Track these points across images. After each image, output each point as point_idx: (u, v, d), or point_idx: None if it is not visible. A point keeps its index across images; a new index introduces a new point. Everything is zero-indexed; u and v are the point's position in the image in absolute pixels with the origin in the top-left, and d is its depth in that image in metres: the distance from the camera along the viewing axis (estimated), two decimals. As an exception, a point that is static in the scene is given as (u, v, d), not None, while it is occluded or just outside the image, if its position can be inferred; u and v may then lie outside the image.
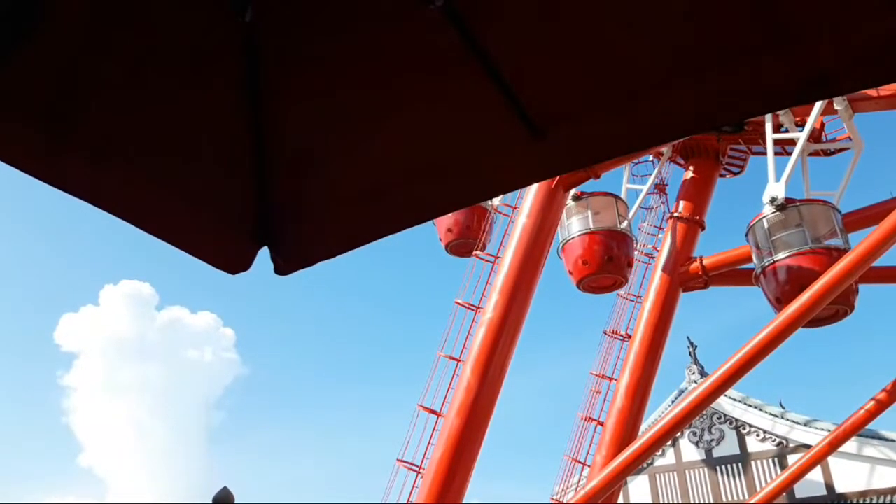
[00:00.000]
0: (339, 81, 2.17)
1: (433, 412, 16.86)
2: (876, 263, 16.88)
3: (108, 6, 1.83)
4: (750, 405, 26.60)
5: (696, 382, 26.27)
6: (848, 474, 24.26)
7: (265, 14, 1.96)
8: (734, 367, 16.34)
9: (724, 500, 25.75)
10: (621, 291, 21.65)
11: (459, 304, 18.04)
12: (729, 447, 26.49)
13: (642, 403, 20.11)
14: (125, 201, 2.04)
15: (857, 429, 22.03)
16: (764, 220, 18.50)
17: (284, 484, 70.48)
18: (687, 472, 26.86)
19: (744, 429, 26.47)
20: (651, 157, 23.71)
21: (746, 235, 19.16)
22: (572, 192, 19.72)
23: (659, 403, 27.65)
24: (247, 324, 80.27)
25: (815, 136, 20.50)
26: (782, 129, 20.84)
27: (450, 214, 23.03)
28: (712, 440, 26.75)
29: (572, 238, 20.49)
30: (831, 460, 23.92)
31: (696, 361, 28.08)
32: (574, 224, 20.61)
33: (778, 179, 18.58)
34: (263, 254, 2.31)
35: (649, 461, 25.98)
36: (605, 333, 22.01)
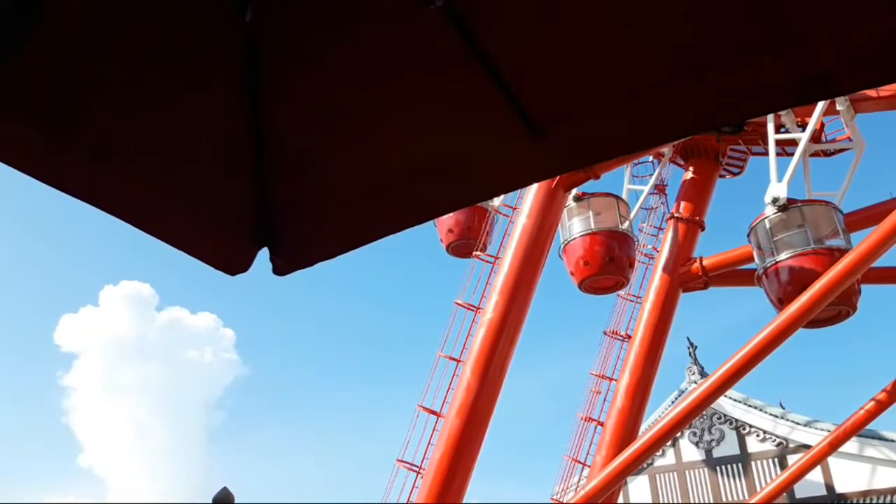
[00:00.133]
0: (339, 81, 2.17)
1: (433, 412, 16.86)
2: (876, 264, 16.88)
3: (108, 6, 1.83)
4: (751, 406, 26.59)
5: (696, 382, 26.27)
6: (848, 475, 24.25)
7: (265, 14, 1.96)
8: (734, 367, 16.34)
9: (724, 500, 25.74)
10: (621, 292, 21.66)
11: (459, 304, 18.05)
12: (729, 447, 26.49)
13: (642, 403, 20.12)
14: (125, 201, 2.04)
15: (857, 429, 22.02)
16: (766, 220, 18.51)
17: (284, 484, 70.54)
18: (687, 472, 26.86)
19: (744, 429, 26.46)
20: (651, 158, 23.71)
21: (748, 236, 19.16)
22: (574, 192, 19.73)
23: (659, 403, 27.68)
24: (247, 324, 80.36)
25: (814, 137, 20.50)
26: (782, 130, 20.84)
27: (450, 215, 23.05)
28: (712, 440, 26.75)
29: (574, 239, 20.49)
30: (831, 460, 23.92)
31: (696, 361, 28.08)
32: (575, 225, 20.60)
33: (780, 180, 18.59)
34: (263, 254, 2.31)
35: (649, 461, 25.98)
36: (605, 334, 22.02)
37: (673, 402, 26.51)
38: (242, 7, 1.91)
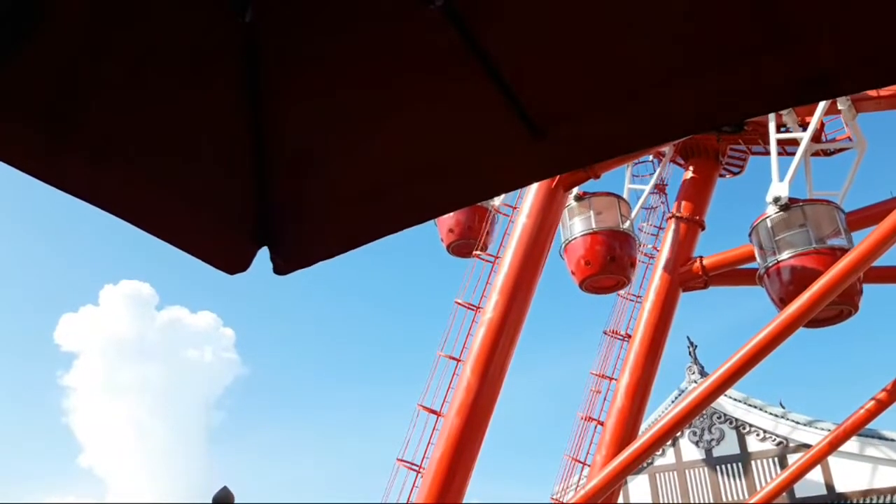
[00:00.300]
0: (339, 81, 2.17)
1: (433, 412, 16.87)
2: (876, 263, 16.88)
3: (108, 6, 1.83)
4: (751, 405, 26.59)
5: (696, 382, 26.25)
6: (849, 474, 24.25)
7: (265, 14, 1.96)
8: (734, 367, 16.34)
9: (724, 499, 25.74)
10: (622, 291, 21.66)
11: (459, 304, 18.05)
12: (729, 447, 26.49)
13: (642, 403, 20.12)
14: (125, 201, 2.05)
15: (857, 428, 22.02)
16: (767, 220, 18.51)
17: (284, 484, 70.54)
18: (687, 471, 26.86)
19: (744, 428, 26.46)
20: (651, 158, 23.71)
21: (750, 235, 19.16)
22: (575, 192, 19.73)
23: (659, 403, 27.67)
24: (247, 324, 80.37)
25: (815, 136, 20.50)
26: (783, 130, 20.84)
27: (451, 215, 23.05)
28: (712, 440, 26.75)
29: (575, 238, 20.48)
30: (832, 460, 23.92)
31: (696, 361, 28.07)
32: (576, 224, 20.60)
33: (781, 179, 18.59)
34: (263, 254, 2.31)
35: (649, 461, 25.97)
36: (605, 333, 22.04)
37: (673, 402, 26.50)
38: (242, 7, 1.91)
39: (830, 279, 16.02)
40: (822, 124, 21.74)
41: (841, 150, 22.15)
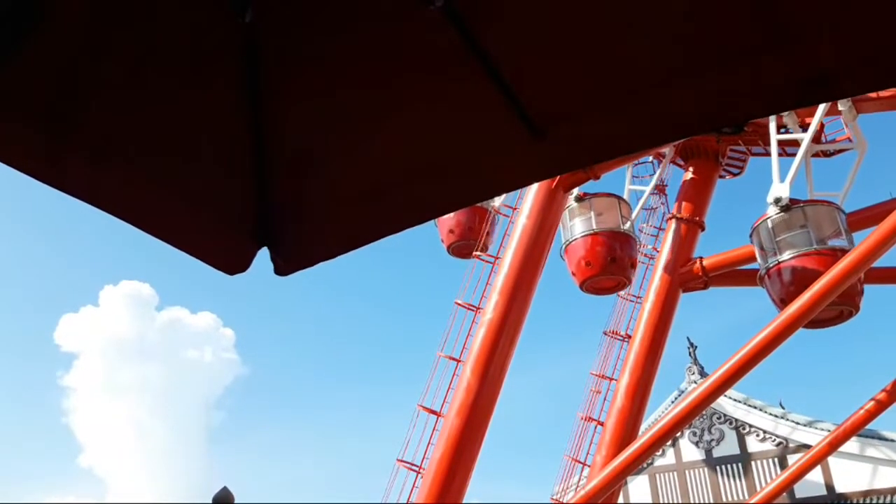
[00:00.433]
0: (339, 81, 2.17)
1: (433, 412, 16.86)
2: (877, 264, 16.88)
3: (108, 6, 1.83)
4: (751, 406, 26.59)
5: (696, 382, 26.25)
6: (849, 474, 24.24)
7: (265, 14, 1.96)
8: (734, 367, 16.34)
9: (724, 500, 25.73)
10: (622, 292, 21.66)
11: (459, 304, 18.05)
12: (729, 447, 26.48)
13: (642, 403, 20.12)
14: (125, 201, 2.05)
15: (857, 429, 22.02)
16: (768, 220, 18.52)
17: (284, 484, 70.52)
18: (687, 472, 26.85)
19: (744, 429, 26.46)
20: (651, 158, 23.72)
21: (751, 236, 19.17)
22: (575, 192, 19.73)
23: (659, 403, 27.66)
24: (247, 324, 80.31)
25: (815, 138, 20.50)
26: (782, 131, 20.85)
27: (451, 215, 23.06)
28: (712, 440, 26.74)
29: (575, 239, 20.48)
30: (832, 460, 23.91)
31: (696, 361, 28.06)
32: (577, 225, 20.59)
33: (782, 180, 18.60)
34: (263, 254, 2.31)
35: (649, 461, 25.97)
36: (605, 334, 22.03)
37: (673, 402, 26.49)
38: (242, 7, 1.91)
39: (831, 280, 16.03)
40: (823, 125, 21.75)
41: (841, 150, 22.16)
